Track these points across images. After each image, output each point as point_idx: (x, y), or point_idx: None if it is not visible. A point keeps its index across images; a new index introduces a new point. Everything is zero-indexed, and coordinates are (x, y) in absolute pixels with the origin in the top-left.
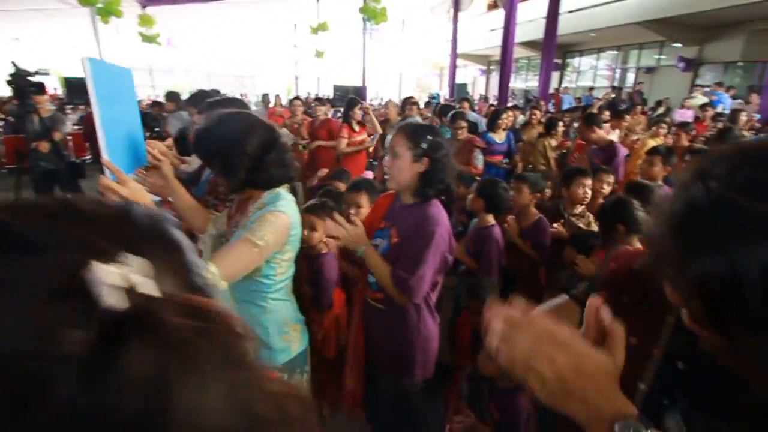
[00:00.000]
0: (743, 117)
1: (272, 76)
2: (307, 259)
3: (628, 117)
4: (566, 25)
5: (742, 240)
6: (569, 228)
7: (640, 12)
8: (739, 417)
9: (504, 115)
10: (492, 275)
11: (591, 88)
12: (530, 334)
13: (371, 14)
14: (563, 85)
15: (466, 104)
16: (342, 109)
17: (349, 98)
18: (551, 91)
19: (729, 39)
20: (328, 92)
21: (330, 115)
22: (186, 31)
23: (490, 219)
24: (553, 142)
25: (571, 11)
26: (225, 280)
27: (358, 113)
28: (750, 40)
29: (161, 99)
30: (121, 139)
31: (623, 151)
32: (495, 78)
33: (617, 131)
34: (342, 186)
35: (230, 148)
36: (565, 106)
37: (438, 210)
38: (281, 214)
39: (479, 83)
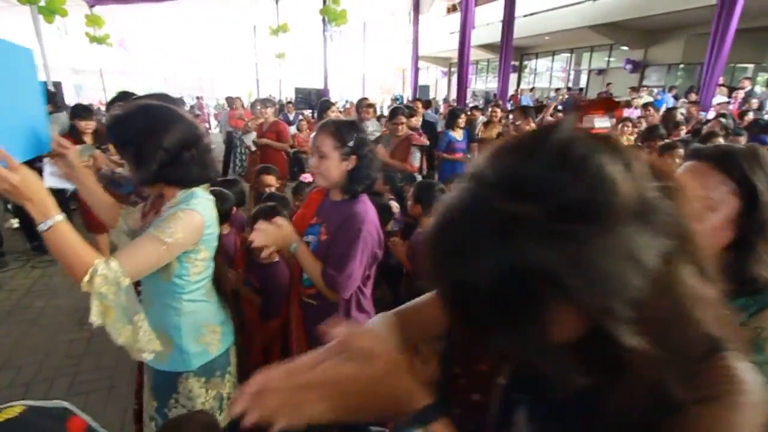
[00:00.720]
0: (678, 115)
1: (232, 79)
2: (258, 267)
3: None
4: (522, 28)
5: (479, 242)
6: None
7: (590, 16)
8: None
9: (463, 115)
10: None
11: (557, 89)
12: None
13: (331, 16)
14: (521, 87)
15: (418, 103)
16: (305, 112)
17: (322, 101)
18: (512, 92)
19: (671, 42)
20: (290, 95)
21: (292, 118)
22: (140, 33)
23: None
24: (494, 133)
25: (525, 15)
26: (129, 277)
27: (332, 116)
28: (689, 44)
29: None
30: (15, 123)
31: None
32: (455, 80)
33: None
34: (272, 180)
35: (146, 139)
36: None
37: (365, 207)
38: (193, 212)
39: (441, 85)
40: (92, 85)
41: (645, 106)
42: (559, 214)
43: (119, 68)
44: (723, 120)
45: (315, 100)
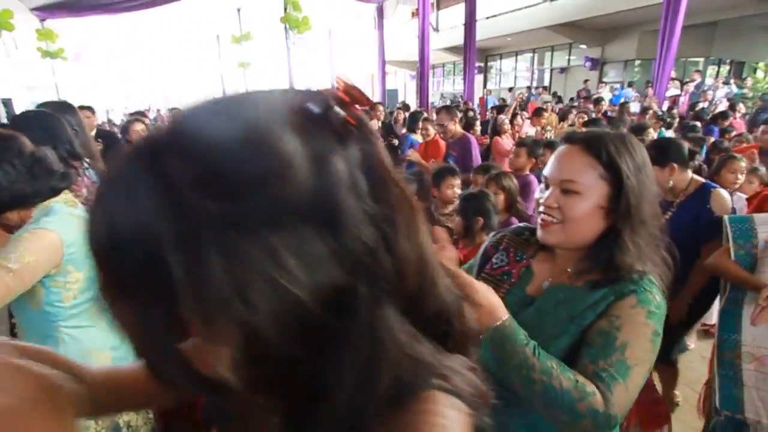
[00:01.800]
0: (631, 108)
1: (197, 89)
2: None
3: (545, 114)
4: (484, 30)
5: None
6: None
7: (548, 17)
8: None
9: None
10: None
11: (510, 89)
12: None
13: (293, 23)
14: (487, 87)
15: (379, 107)
16: None
17: None
18: (481, 94)
19: (625, 40)
20: None
21: None
22: (98, 45)
23: None
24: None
25: (488, 17)
26: None
27: None
28: (642, 41)
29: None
30: None
31: (475, 144)
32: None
33: (536, 127)
34: None
35: None
36: (490, 106)
37: None
38: (45, 231)
39: (410, 88)
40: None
41: (596, 101)
42: (204, 182)
43: (77, 83)
44: (659, 112)
45: None
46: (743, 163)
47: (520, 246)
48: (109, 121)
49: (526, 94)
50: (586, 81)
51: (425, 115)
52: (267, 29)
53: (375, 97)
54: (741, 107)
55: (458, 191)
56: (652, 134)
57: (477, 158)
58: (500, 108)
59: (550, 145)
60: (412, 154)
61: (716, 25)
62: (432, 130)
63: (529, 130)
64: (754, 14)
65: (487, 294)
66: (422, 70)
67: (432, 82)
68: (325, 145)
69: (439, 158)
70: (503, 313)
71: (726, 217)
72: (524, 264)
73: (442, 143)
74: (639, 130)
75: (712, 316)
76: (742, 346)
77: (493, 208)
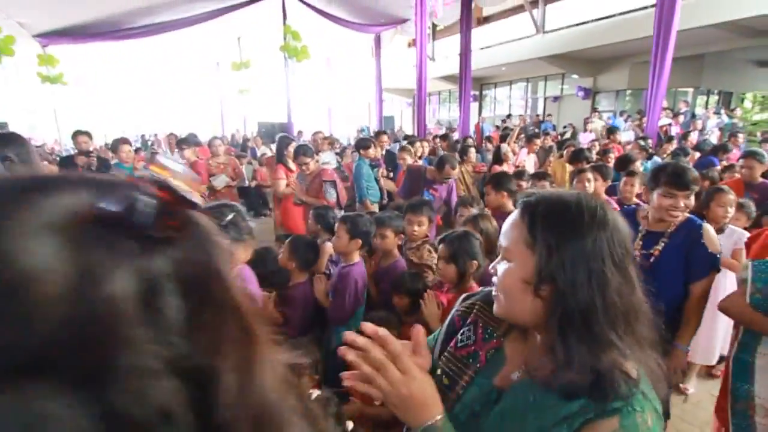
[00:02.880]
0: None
1: (196, 115)
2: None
3: (538, 141)
4: (480, 60)
5: None
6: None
7: (541, 48)
8: None
9: (417, 145)
10: (342, 314)
11: (506, 118)
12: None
13: (292, 53)
14: (482, 115)
15: (383, 137)
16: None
17: (280, 137)
18: (477, 120)
19: (617, 71)
20: (254, 129)
21: (249, 155)
22: (98, 71)
23: (356, 257)
24: (469, 168)
25: (482, 48)
26: None
27: (291, 152)
28: (633, 71)
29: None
30: None
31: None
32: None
33: (532, 155)
34: None
35: None
36: (486, 133)
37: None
38: None
39: (406, 115)
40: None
41: (609, 132)
42: None
43: (77, 107)
44: (642, 142)
45: (279, 134)
46: (732, 196)
47: (491, 320)
48: (106, 145)
49: (528, 123)
50: (548, 115)
51: (404, 143)
52: (266, 57)
53: (372, 124)
54: (740, 137)
55: (419, 228)
56: (638, 167)
57: (455, 200)
58: (503, 136)
59: (519, 176)
60: (386, 183)
61: (704, 57)
62: (410, 159)
63: (526, 158)
64: (738, 48)
65: (423, 385)
66: (419, 99)
67: (428, 109)
68: (105, 258)
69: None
70: (437, 412)
71: (750, 261)
72: (494, 345)
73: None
74: (624, 162)
75: (713, 356)
76: (756, 398)
77: (481, 249)
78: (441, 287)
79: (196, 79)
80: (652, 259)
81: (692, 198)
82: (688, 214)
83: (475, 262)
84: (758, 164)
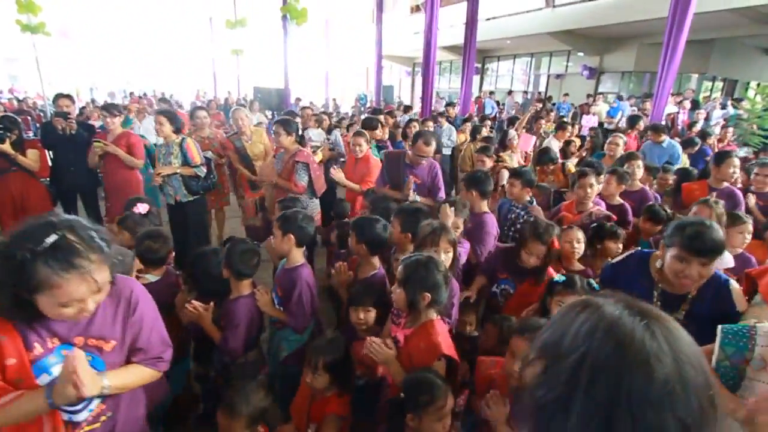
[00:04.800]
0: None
1: (187, 73)
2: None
3: (542, 122)
4: (484, 31)
5: None
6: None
7: (549, 23)
8: None
9: (413, 125)
10: (303, 321)
11: (510, 92)
12: None
13: (293, 14)
14: (483, 89)
15: (389, 118)
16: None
17: (286, 112)
18: (478, 94)
19: (624, 51)
20: (248, 93)
21: (207, 125)
22: (85, 22)
23: (298, 257)
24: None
25: (488, 19)
26: None
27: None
28: (641, 53)
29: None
30: None
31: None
32: (419, 80)
33: (533, 138)
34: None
35: None
36: (488, 111)
37: None
38: None
39: (405, 84)
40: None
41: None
42: None
43: (61, 59)
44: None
45: (276, 101)
46: (748, 225)
47: None
48: (93, 101)
49: (523, 99)
50: (589, 96)
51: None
52: (263, 16)
53: (370, 92)
54: (730, 131)
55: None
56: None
57: (440, 187)
58: (511, 120)
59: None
60: (335, 173)
61: (714, 42)
62: (365, 146)
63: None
64: (748, 35)
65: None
66: (426, 69)
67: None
68: None
69: (371, 180)
70: None
71: (721, 327)
72: None
73: (375, 162)
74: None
75: None
76: None
77: (444, 278)
78: (398, 318)
79: (188, 35)
80: None
81: (712, 267)
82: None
83: (427, 294)
84: None
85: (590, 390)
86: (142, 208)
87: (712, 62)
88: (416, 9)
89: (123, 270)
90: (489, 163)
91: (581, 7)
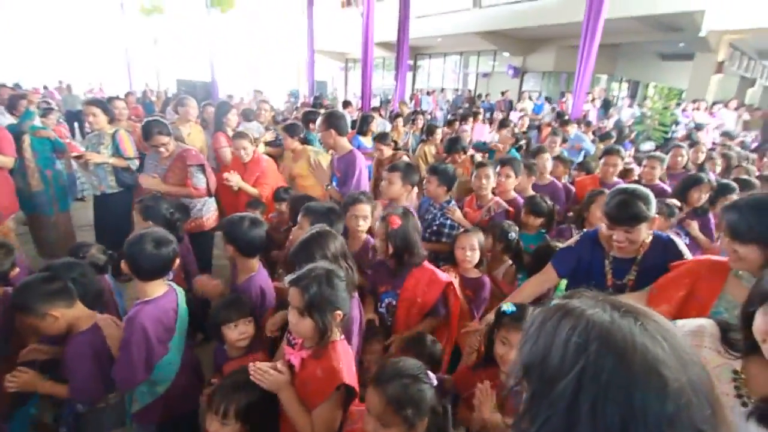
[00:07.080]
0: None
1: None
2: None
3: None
4: (415, 29)
5: None
6: None
7: (476, 23)
8: None
9: (373, 121)
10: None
11: (443, 90)
12: None
13: (215, 2)
14: (416, 86)
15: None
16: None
17: (220, 103)
18: (413, 90)
19: (544, 52)
20: (170, 86)
21: (125, 117)
22: None
23: (254, 265)
24: (432, 149)
25: (419, 17)
26: None
27: (232, 120)
28: (559, 55)
29: None
30: None
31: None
32: (353, 76)
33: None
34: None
35: None
36: (424, 107)
37: None
38: None
39: (339, 80)
40: None
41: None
42: None
43: None
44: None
45: (201, 94)
46: None
47: None
48: None
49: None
50: (505, 92)
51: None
52: (182, 3)
53: (302, 88)
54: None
55: (364, 224)
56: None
57: (362, 181)
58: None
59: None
60: (231, 177)
61: (619, 46)
62: (250, 148)
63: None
64: (650, 41)
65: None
66: (365, 67)
67: (355, 75)
68: None
69: (266, 182)
70: None
71: None
72: None
73: (268, 163)
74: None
75: None
76: None
77: (348, 286)
78: (295, 338)
79: (97, 24)
80: (627, 291)
81: (639, 231)
82: (653, 233)
83: (339, 312)
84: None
85: (595, 416)
86: None
87: (619, 65)
88: (347, 3)
89: None
90: (387, 151)
91: (505, 9)
